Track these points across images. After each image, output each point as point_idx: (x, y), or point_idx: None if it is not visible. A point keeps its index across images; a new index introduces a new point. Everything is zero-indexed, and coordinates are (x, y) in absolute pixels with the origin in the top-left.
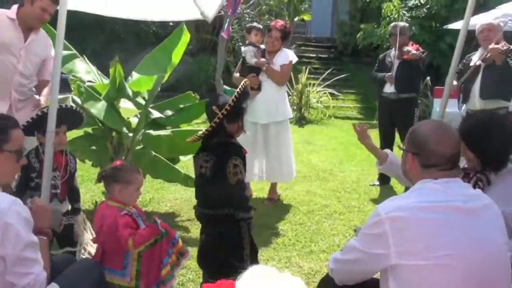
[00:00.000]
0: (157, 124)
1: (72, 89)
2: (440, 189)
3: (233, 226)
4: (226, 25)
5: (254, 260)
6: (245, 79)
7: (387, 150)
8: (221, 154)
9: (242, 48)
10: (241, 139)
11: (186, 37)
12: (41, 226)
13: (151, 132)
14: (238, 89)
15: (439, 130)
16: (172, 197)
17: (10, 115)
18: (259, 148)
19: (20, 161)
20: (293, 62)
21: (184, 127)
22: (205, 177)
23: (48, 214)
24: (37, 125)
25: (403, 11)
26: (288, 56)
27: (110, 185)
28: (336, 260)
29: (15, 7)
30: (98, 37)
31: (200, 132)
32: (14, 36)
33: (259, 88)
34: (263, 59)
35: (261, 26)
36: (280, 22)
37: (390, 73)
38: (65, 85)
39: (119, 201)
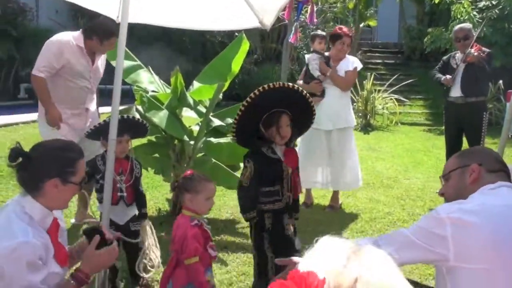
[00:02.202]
0: (218, 132)
1: (136, 99)
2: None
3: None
4: (293, 31)
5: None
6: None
7: None
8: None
9: (306, 56)
10: (304, 146)
11: (245, 45)
12: (87, 271)
13: (212, 139)
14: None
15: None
16: (233, 204)
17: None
18: (323, 155)
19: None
20: (359, 68)
21: None
22: None
23: (103, 265)
24: (102, 132)
25: (474, 13)
26: (353, 62)
27: (182, 195)
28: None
29: (80, 35)
30: (166, 48)
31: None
32: (85, 63)
33: (322, 95)
34: (326, 67)
35: (324, 34)
36: (346, 28)
37: (450, 77)
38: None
39: (191, 209)
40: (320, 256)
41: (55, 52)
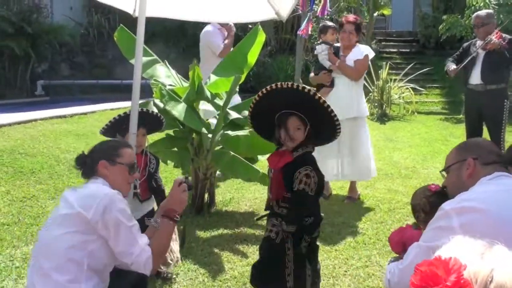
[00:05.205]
0: (235, 124)
1: (154, 92)
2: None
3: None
4: (304, 23)
5: None
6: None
7: None
8: None
9: (316, 47)
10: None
11: (261, 37)
12: (172, 209)
13: (230, 132)
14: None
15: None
16: (252, 197)
17: None
18: (333, 146)
19: (133, 175)
20: (370, 56)
21: None
22: None
23: (183, 202)
24: (117, 127)
25: None
26: (362, 51)
27: None
28: (395, 269)
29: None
30: (181, 42)
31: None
32: None
33: (331, 85)
34: (334, 57)
35: (334, 25)
36: (351, 16)
37: (455, 67)
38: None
39: None
40: (458, 248)
41: None
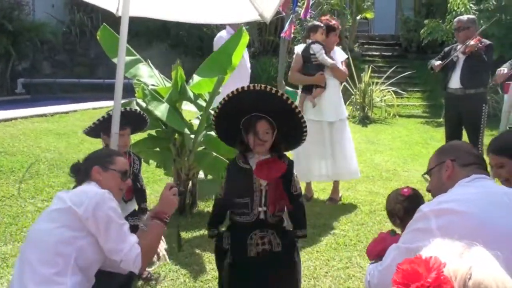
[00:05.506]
0: None
1: (136, 92)
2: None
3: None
4: (287, 25)
5: None
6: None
7: None
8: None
9: (312, 46)
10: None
11: (245, 38)
12: (163, 211)
13: (212, 133)
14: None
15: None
16: None
17: None
18: (327, 147)
19: (125, 181)
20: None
21: None
22: None
23: (173, 204)
24: (102, 127)
25: (471, 4)
26: (342, 53)
27: None
28: (375, 271)
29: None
30: (164, 42)
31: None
32: None
33: (324, 86)
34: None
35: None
36: (335, 20)
37: (440, 62)
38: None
39: None
40: (438, 249)
41: None
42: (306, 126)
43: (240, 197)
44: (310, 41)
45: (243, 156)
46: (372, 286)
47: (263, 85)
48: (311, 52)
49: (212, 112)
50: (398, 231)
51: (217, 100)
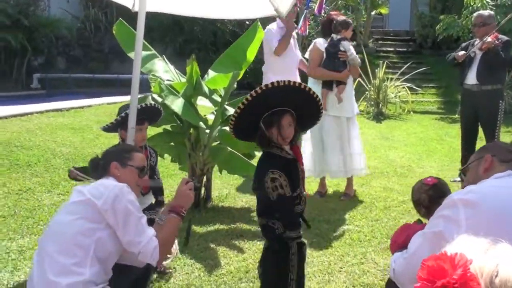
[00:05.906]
0: None
1: (152, 87)
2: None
3: (278, 243)
4: (301, 21)
5: None
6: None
7: None
8: (260, 165)
9: (343, 43)
10: (325, 135)
11: (260, 33)
12: (179, 205)
13: (227, 128)
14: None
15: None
16: (248, 192)
17: None
18: (345, 142)
19: (142, 178)
20: None
21: None
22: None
23: (189, 198)
24: (122, 124)
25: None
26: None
27: None
28: (400, 258)
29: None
30: (178, 37)
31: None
32: None
33: (345, 83)
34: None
35: None
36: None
37: (463, 52)
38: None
39: None
40: (463, 245)
41: None
42: (322, 112)
43: (294, 190)
44: (338, 36)
45: (279, 148)
46: (397, 274)
47: (287, 80)
48: (342, 49)
49: (230, 109)
50: (424, 221)
51: None
